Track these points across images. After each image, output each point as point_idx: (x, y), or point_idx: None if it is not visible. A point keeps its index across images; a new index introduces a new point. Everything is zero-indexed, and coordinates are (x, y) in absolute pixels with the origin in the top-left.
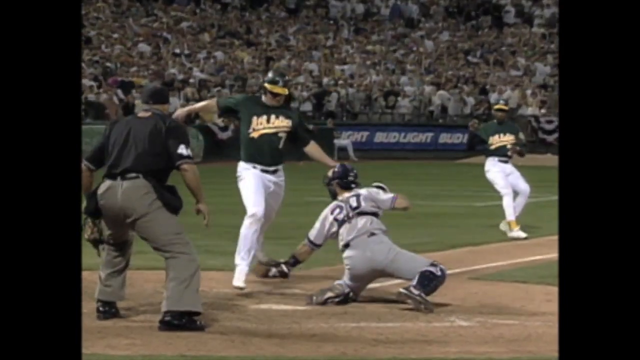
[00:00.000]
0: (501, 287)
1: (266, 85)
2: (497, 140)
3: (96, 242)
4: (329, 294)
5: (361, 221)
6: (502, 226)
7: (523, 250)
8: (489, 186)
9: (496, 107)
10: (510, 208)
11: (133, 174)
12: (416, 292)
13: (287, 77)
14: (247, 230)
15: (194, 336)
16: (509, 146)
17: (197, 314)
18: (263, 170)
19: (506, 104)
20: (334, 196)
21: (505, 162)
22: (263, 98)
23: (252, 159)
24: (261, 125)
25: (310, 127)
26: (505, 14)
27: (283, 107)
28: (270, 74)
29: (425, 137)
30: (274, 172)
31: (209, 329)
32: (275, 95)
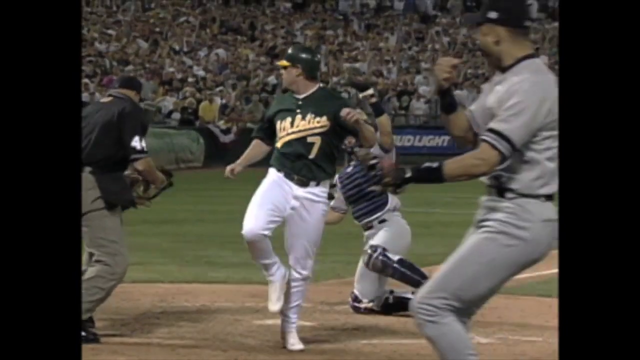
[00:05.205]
0: (523, 301)
1: None
2: None
3: None
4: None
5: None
6: None
7: (546, 261)
8: None
9: None
10: None
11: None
12: None
13: (301, 53)
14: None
15: (196, 353)
16: None
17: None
18: (287, 176)
19: None
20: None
21: None
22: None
23: (277, 167)
24: (284, 132)
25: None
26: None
27: (320, 97)
28: None
29: (441, 140)
30: (302, 184)
31: (212, 346)
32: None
